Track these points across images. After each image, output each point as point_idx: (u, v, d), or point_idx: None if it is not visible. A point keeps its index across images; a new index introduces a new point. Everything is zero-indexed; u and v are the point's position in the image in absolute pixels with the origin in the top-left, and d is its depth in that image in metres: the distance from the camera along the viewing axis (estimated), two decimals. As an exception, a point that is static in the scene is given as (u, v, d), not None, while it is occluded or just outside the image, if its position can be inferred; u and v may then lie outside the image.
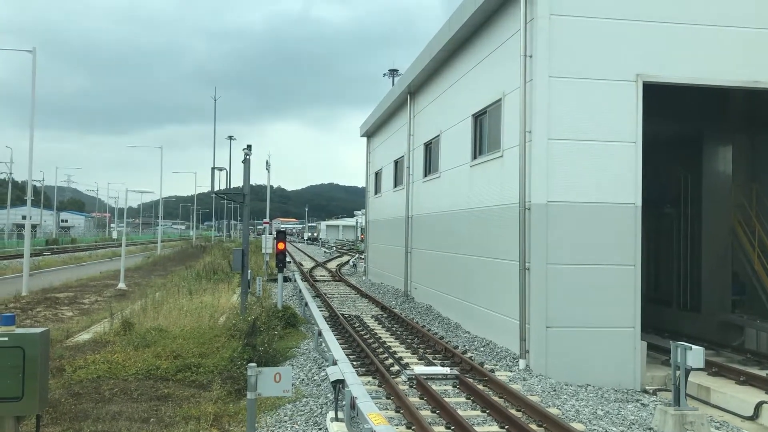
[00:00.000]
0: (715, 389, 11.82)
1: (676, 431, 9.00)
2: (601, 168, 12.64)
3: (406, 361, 12.93)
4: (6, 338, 5.49)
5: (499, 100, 14.94)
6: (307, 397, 10.34)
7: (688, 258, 18.43)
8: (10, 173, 74.11)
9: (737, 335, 16.15)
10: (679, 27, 12.91)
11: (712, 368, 12.76)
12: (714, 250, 17.52)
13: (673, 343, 9.40)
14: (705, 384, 12.10)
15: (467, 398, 10.41)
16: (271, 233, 24.87)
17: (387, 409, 9.55)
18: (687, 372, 9.17)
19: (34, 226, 78.91)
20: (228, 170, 17.65)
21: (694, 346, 9.12)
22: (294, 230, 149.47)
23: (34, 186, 46.72)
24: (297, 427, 8.91)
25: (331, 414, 8.79)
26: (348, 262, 47.50)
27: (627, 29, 12.82)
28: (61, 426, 8.53)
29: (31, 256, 28.36)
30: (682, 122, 17.76)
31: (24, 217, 30.25)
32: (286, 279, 24.54)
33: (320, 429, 8.75)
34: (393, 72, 56.25)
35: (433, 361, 12.98)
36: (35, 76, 25.15)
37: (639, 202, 12.71)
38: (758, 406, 10.67)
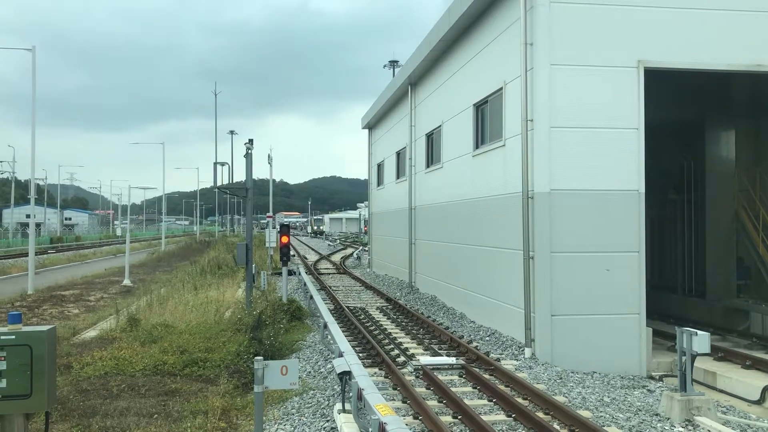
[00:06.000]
0: (721, 374, 11.82)
1: (682, 416, 9.02)
2: (603, 155, 12.61)
3: (411, 351, 12.96)
4: (13, 336, 5.51)
5: (501, 89, 14.90)
6: (314, 390, 10.38)
7: (693, 243, 18.41)
8: (13, 172, 74.41)
9: (743, 320, 16.13)
10: (681, 11, 12.85)
11: (717, 353, 12.76)
12: (718, 235, 17.50)
13: (679, 329, 9.41)
14: (711, 369, 12.10)
15: (473, 388, 10.44)
16: (274, 227, 24.92)
17: (394, 399, 9.59)
18: (693, 357, 9.19)
19: (38, 225, 79.14)
20: (230, 165, 17.72)
21: (699, 332, 9.13)
22: (297, 224, 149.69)
23: (38, 184, 46.83)
24: (304, 419, 8.94)
25: (338, 406, 8.80)
26: (352, 254, 47.52)
27: (628, 15, 12.76)
28: (69, 422, 8.58)
29: (36, 255, 28.42)
30: (684, 108, 17.70)
31: (28, 216, 30.33)
32: (290, 272, 24.60)
33: (327, 421, 8.77)
34: (393, 63, 56.00)
35: (439, 351, 13.01)
36: (35, 74, 25.17)
37: (642, 189, 12.69)
38: (765, 390, 10.67)
